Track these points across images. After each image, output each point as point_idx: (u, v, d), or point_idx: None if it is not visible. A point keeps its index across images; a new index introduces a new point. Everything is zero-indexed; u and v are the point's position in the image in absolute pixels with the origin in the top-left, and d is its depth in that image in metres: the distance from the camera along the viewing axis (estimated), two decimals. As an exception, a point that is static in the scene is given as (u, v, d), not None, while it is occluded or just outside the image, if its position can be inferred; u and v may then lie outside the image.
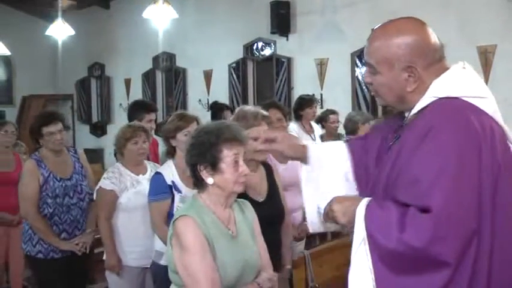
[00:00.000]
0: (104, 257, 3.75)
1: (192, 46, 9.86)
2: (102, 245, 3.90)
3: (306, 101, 6.16)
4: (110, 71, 11.89)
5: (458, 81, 1.77)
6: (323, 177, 2.13)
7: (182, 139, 3.29)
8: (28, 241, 3.84)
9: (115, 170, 3.78)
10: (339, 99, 7.73)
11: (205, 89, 9.84)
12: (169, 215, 3.15)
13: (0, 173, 4.61)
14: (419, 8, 6.73)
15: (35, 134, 3.86)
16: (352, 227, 1.75)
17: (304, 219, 3.32)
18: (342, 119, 6.15)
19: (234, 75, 9.39)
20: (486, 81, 6.26)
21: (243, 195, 2.69)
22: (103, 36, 11.60)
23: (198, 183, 2.29)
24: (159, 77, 10.97)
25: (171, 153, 3.42)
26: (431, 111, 1.74)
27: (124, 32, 11.09)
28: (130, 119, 4.79)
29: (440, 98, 1.75)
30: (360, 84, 7.76)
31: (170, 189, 3.26)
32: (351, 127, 5.82)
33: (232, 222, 2.33)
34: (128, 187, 3.71)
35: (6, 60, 12.04)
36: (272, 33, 8.51)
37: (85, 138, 12.34)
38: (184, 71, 10.33)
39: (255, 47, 9.21)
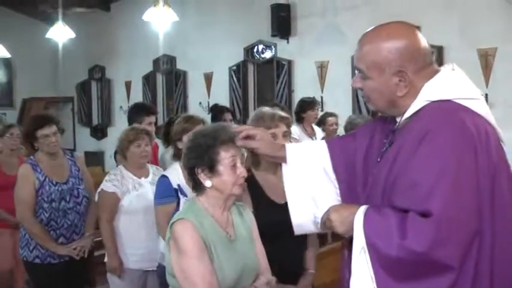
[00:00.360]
0: (105, 259, 3.75)
1: (193, 49, 9.86)
2: (102, 248, 3.89)
3: (308, 104, 6.17)
4: (111, 74, 11.89)
5: (450, 83, 1.77)
6: (302, 173, 2.14)
7: None
8: (25, 246, 3.80)
9: (117, 173, 3.78)
10: (339, 102, 7.73)
11: (206, 92, 9.84)
12: (175, 218, 3.15)
13: (6, 176, 4.58)
14: (421, 11, 6.74)
15: (29, 137, 3.82)
16: (351, 235, 1.74)
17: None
18: (343, 121, 6.15)
19: (235, 78, 9.39)
20: (486, 84, 6.27)
21: (262, 198, 2.68)
22: (103, 38, 11.61)
23: (196, 187, 2.28)
24: (160, 79, 10.97)
25: (177, 155, 3.38)
26: (426, 114, 1.74)
27: (124, 35, 11.10)
28: (130, 121, 4.78)
29: (433, 102, 1.75)
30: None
31: (176, 193, 3.23)
32: (351, 130, 5.83)
33: (231, 225, 2.32)
34: (130, 190, 3.71)
35: (7, 63, 12.05)
36: (273, 36, 8.52)
37: (85, 141, 12.34)
38: (184, 73, 10.33)
39: (255, 50, 9.21)
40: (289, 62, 8.59)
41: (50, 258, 3.76)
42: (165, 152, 4.98)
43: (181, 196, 3.23)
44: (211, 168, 2.20)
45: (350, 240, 1.89)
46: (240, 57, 9.28)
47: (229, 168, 2.20)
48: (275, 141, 2.31)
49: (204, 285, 2.11)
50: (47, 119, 3.84)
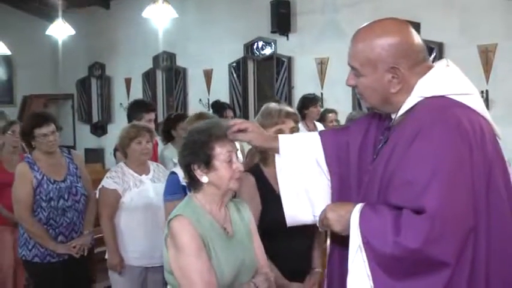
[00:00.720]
0: (106, 256, 3.75)
1: (193, 45, 9.85)
2: (103, 245, 3.89)
3: (310, 100, 6.17)
4: (110, 71, 11.88)
5: (443, 79, 1.76)
6: (295, 164, 2.14)
7: None
8: (23, 245, 3.78)
9: (118, 170, 3.78)
10: (339, 99, 7.72)
11: (206, 89, 9.83)
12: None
13: (7, 173, 4.53)
14: (421, 8, 6.73)
15: (27, 136, 3.79)
16: (348, 233, 1.74)
17: None
18: (343, 118, 6.15)
19: (235, 75, 9.38)
20: (487, 81, 6.26)
21: (272, 194, 2.66)
22: (103, 35, 11.59)
23: (193, 184, 2.28)
24: (160, 76, 10.96)
25: None
26: (420, 111, 1.73)
27: (124, 32, 11.08)
28: (129, 118, 4.78)
29: (427, 98, 1.74)
30: (360, 84, 7.74)
31: (184, 190, 3.23)
32: (352, 126, 5.83)
33: (228, 221, 2.32)
34: (131, 187, 3.72)
35: (7, 60, 12.03)
36: (272, 32, 8.50)
37: (85, 138, 12.34)
38: (184, 70, 10.32)
39: (255, 47, 9.20)
40: (289, 59, 8.58)
41: (50, 257, 3.74)
42: (164, 148, 4.99)
43: (188, 193, 3.24)
44: (207, 163, 2.20)
45: (332, 233, 1.90)
46: (239, 53, 9.26)
47: (225, 163, 2.20)
48: (267, 134, 2.30)
49: (202, 282, 2.10)
50: (45, 118, 3.81)
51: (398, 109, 1.81)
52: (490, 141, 1.71)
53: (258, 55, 9.21)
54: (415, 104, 1.76)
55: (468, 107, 1.72)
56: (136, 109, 4.83)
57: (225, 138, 2.21)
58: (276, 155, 2.20)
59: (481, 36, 6.42)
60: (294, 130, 2.73)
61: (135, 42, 10.79)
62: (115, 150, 4.55)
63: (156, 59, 10.73)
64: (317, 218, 1.94)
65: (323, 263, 2.87)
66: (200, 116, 3.44)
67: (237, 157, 2.26)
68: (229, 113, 6.07)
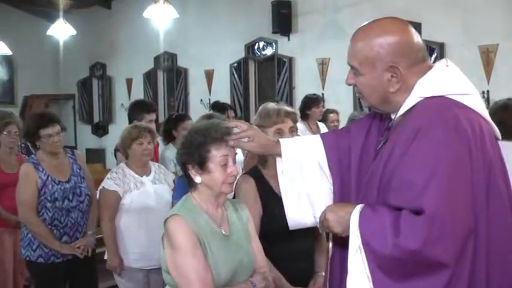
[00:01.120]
0: (105, 257, 3.75)
1: (194, 46, 9.85)
2: (103, 245, 3.88)
3: (313, 100, 6.15)
4: (112, 71, 11.88)
5: (443, 79, 1.76)
6: (297, 168, 2.13)
7: None
8: (27, 246, 3.78)
9: (119, 171, 3.76)
10: (340, 99, 7.71)
11: (207, 89, 9.83)
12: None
13: (4, 174, 4.52)
14: (422, 8, 6.72)
15: (31, 136, 3.79)
16: (348, 234, 1.73)
17: None
18: (344, 118, 6.14)
19: (236, 75, 9.38)
20: (488, 81, 6.25)
21: (272, 197, 2.64)
22: (104, 36, 11.60)
23: (190, 183, 2.29)
24: (161, 76, 10.96)
25: None
26: (419, 111, 1.72)
27: (125, 32, 11.09)
28: (130, 119, 4.77)
29: (426, 98, 1.73)
30: (361, 84, 7.74)
31: None
32: (353, 127, 5.82)
33: (226, 221, 2.32)
34: (132, 188, 3.69)
35: (8, 60, 12.04)
36: (273, 32, 8.49)
37: (87, 138, 12.34)
38: (185, 70, 10.32)
39: (256, 47, 9.19)
40: (290, 59, 8.57)
41: (54, 258, 3.75)
42: (165, 149, 4.98)
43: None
44: (201, 165, 2.21)
45: (334, 236, 1.89)
46: (240, 54, 9.26)
47: (219, 167, 2.20)
48: (268, 138, 2.29)
49: (198, 281, 2.11)
50: (51, 119, 3.81)
51: (398, 109, 1.80)
52: (489, 142, 1.70)
53: (259, 55, 9.21)
54: (415, 104, 1.75)
55: (468, 107, 1.71)
56: (137, 109, 4.82)
57: (221, 141, 2.20)
58: (278, 159, 2.19)
59: (482, 37, 6.41)
60: (293, 129, 2.71)
61: (136, 43, 10.79)
62: (116, 150, 4.54)
63: (157, 59, 10.73)
64: (317, 220, 1.93)
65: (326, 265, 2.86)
66: (210, 117, 3.41)
67: (234, 161, 2.25)
68: (231, 113, 6.06)
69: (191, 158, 2.22)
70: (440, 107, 1.69)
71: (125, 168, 3.77)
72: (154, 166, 3.91)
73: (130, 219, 3.68)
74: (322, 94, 8.03)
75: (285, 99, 8.35)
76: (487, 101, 5.89)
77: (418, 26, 6.23)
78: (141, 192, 3.70)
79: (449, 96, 1.72)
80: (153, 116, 4.77)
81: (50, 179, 3.74)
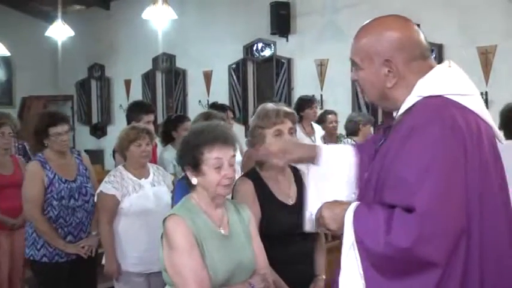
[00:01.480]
0: (103, 262, 3.69)
1: (192, 47, 9.84)
2: (100, 246, 3.87)
3: (306, 102, 6.14)
4: (110, 72, 11.88)
5: (442, 79, 1.76)
6: (329, 176, 2.10)
7: None
8: (32, 245, 3.78)
9: (117, 174, 3.69)
10: (339, 100, 7.72)
11: (205, 90, 9.83)
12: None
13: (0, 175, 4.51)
14: (420, 9, 6.72)
15: (40, 134, 3.80)
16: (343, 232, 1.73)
17: None
18: (343, 120, 6.14)
19: (234, 76, 9.37)
20: (486, 82, 6.26)
21: (270, 199, 2.63)
22: (103, 37, 11.59)
23: (189, 183, 2.31)
24: (159, 78, 10.96)
25: None
26: (417, 110, 1.73)
27: (124, 33, 11.08)
28: (128, 120, 4.76)
29: (425, 97, 1.73)
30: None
31: None
32: (352, 128, 5.82)
33: (225, 222, 2.32)
34: (130, 192, 3.63)
35: (6, 61, 12.02)
36: (272, 34, 8.49)
37: (85, 140, 12.32)
38: (184, 71, 10.32)
39: (255, 48, 9.20)
40: (289, 60, 8.57)
41: (58, 257, 3.76)
42: (163, 150, 4.97)
43: None
44: (195, 167, 2.22)
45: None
46: (239, 55, 9.26)
47: (213, 169, 2.20)
48: (306, 145, 2.23)
49: (195, 280, 2.12)
50: (61, 117, 3.85)
51: (399, 107, 1.81)
52: (487, 143, 1.70)
53: (258, 56, 9.21)
54: (414, 104, 1.76)
55: (466, 108, 1.71)
56: (135, 110, 4.81)
57: (214, 144, 2.20)
58: (312, 166, 2.13)
59: (480, 38, 6.42)
60: (293, 130, 2.68)
61: (134, 44, 10.78)
62: (114, 151, 4.53)
63: (155, 60, 10.73)
64: (313, 217, 1.93)
65: (326, 268, 2.84)
66: (208, 116, 3.37)
67: (231, 164, 2.24)
68: (230, 114, 6.05)
69: (187, 160, 2.24)
70: (438, 106, 1.69)
71: (123, 170, 3.71)
72: (152, 168, 3.86)
73: (129, 223, 3.62)
74: (321, 95, 8.05)
75: (284, 100, 8.34)
76: (486, 101, 5.89)
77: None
78: (140, 195, 3.64)
79: (447, 96, 1.72)
80: (151, 117, 4.76)
81: (57, 177, 3.76)
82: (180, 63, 10.38)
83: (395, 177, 1.65)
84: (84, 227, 3.85)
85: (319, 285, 2.74)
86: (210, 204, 2.29)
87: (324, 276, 2.79)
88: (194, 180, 2.25)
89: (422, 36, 1.82)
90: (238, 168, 3.83)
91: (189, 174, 2.25)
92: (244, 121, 9.08)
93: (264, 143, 2.60)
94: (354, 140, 5.65)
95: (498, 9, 6.36)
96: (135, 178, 3.70)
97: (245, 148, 4.59)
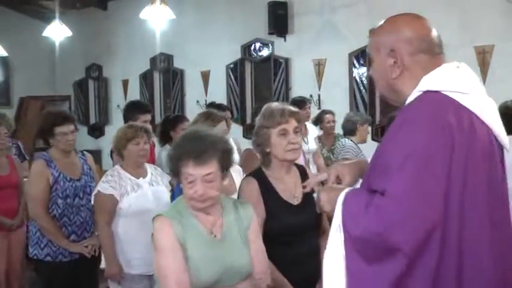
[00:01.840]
0: (102, 265, 3.65)
1: (190, 47, 9.84)
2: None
3: (298, 103, 6.11)
4: (108, 72, 11.87)
5: (444, 76, 1.77)
6: None
7: None
8: (35, 244, 3.78)
9: (114, 173, 3.61)
10: (336, 100, 7.72)
11: (203, 90, 9.82)
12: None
13: None
14: (418, 9, 6.67)
15: (46, 133, 3.80)
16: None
17: None
18: (340, 119, 6.14)
19: (232, 76, 9.37)
20: (483, 81, 6.26)
21: (275, 199, 2.62)
22: (100, 37, 11.58)
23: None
24: (157, 78, 10.95)
25: None
26: (411, 103, 1.77)
27: (121, 33, 11.08)
28: (125, 120, 4.75)
29: (424, 92, 1.76)
30: (357, 85, 7.76)
31: None
32: (350, 128, 5.82)
33: (218, 225, 2.29)
34: (129, 191, 3.56)
35: (4, 61, 11.99)
36: (270, 33, 8.49)
37: (83, 140, 12.28)
38: (182, 71, 10.31)
39: (252, 48, 9.20)
40: (287, 60, 8.57)
41: (61, 256, 3.75)
42: (161, 150, 4.97)
43: None
44: (176, 175, 2.26)
45: None
46: (237, 55, 9.26)
47: (186, 183, 2.20)
48: (359, 165, 2.12)
49: (174, 281, 2.12)
50: (67, 117, 3.86)
51: (405, 101, 1.83)
52: (481, 143, 1.71)
53: (256, 56, 9.21)
54: (415, 98, 1.78)
55: (461, 105, 1.72)
56: (132, 110, 4.80)
57: (189, 161, 2.16)
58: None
59: (477, 38, 6.43)
60: (298, 130, 2.66)
61: (132, 44, 10.78)
62: (112, 151, 4.52)
63: (153, 60, 10.72)
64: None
65: None
66: (209, 116, 3.34)
67: (207, 181, 2.17)
68: (228, 114, 6.05)
69: (170, 166, 2.27)
70: (431, 100, 1.72)
71: (120, 170, 3.63)
72: (150, 167, 3.81)
73: (128, 224, 3.54)
74: (319, 95, 8.05)
75: (281, 100, 8.34)
76: (483, 101, 5.90)
77: (414, 27, 6.22)
78: (138, 195, 3.57)
79: (445, 93, 1.74)
80: (148, 117, 4.75)
81: (62, 175, 3.77)
82: (177, 63, 10.37)
83: (380, 165, 1.70)
84: (88, 226, 3.85)
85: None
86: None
87: None
88: (181, 185, 2.28)
89: (433, 33, 1.88)
90: (238, 168, 3.83)
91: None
92: (242, 121, 9.08)
93: (269, 142, 2.62)
94: (351, 140, 5.66)
95: (496, 9, 6.37)
96: (133, 177, 3.63)
97: (243, 147, 4.60)
